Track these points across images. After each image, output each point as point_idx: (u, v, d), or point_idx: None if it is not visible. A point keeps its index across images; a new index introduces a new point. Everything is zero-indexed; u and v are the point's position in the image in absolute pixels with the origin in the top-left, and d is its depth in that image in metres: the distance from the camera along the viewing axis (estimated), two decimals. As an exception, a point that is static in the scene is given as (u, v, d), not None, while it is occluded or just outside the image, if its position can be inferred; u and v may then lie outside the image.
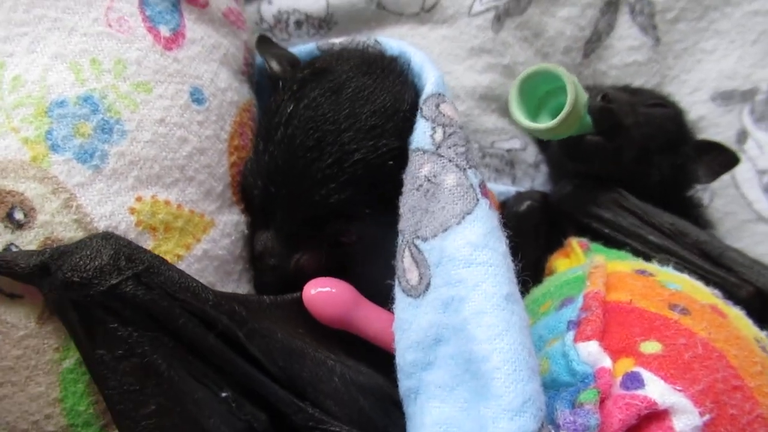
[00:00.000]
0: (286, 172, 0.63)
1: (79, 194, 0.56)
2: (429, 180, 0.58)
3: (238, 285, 0.67)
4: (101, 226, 0.57)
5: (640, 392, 0.53)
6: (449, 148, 0.59)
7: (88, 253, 0.53)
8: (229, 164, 0.66)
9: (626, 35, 1.01)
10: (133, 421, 0.54)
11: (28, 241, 0.55)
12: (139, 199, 0.59)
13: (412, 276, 0.57)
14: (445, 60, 0.94)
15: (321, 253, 0.66)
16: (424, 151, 0.59)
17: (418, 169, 0.59)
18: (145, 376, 0.53)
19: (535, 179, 1.01)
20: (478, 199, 0.57)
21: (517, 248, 0.89)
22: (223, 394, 0.56)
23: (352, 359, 0.63)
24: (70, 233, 0.56)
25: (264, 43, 0.78)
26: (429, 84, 0.63)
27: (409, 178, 0.59)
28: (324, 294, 0.62)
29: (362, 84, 0.66)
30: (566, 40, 0.98)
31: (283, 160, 0.64)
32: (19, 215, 0.55)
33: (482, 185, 0.58)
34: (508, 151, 0.97)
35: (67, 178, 0.56)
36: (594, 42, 1.00)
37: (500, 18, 0.94)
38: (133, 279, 0.53)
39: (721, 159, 0.87)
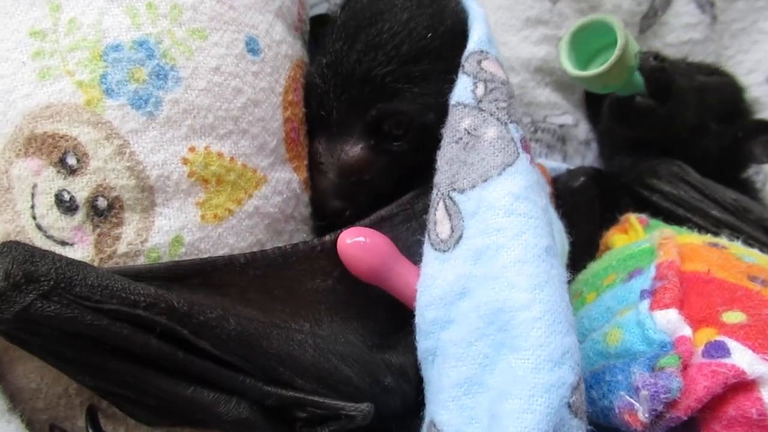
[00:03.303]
0: (331, 65, 0.65)
1: (133, 141, 0.54)
2: (469, 133, 0.57)
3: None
4: (153, 174, 0.54)
5: (726, 361, 0.49)
6: (491, 102, 0.58)
7: None
8: (284, 119, 0.64)
9: (683, 12, 0.97)
10: (116, 400, 0.52)
11: (80, 187, 0.53)
12: (192, 149, 0.56)
13: (444, 229, 0.56)
14: (500, 30, 0.91)
15: (368, 147, 0.65)
16: (465, 105, 0.59)
17: (458, 123, 0.58)
18: (104, 374, 0.50)
19: (586, 157, 0.97)
20: (519, 153, 0.56)
21: (572, 223, 0.88)
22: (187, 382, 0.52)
23: (334, 326, 0.60)
24: (122, 180, 0.53)
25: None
26: (472, 42, 0.62)
27: (448, 132, 0.58)
28: (362, 244, 0.59)
29: None
30: (623, 14, 0.95)
31: (330, 54, 0.66)
32: (71, 160, 0.53)
33: (524, 140, 0.57)
34: (561, 126, 0.93)
35: (121, 124, 0.54)
36: (651, 17, 0.97)
37: (556, -11, 0.90)
38: (42, 299, 0.46)
39: None
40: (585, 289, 0.69)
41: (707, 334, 0.53)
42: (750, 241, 0.74)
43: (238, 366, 0.53)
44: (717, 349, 0.51)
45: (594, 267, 0.73)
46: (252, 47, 0.61)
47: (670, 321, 0.53)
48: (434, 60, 0.64)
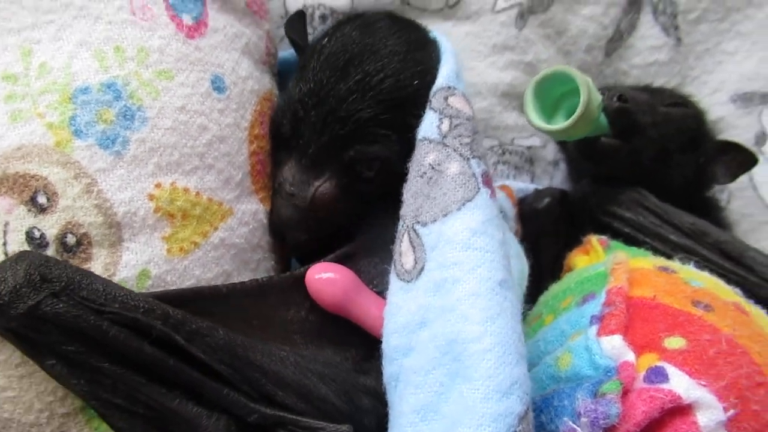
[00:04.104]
0: (314, 93, 0.66)
1: (100, 180, 0.57)
2: (433, 168, 0.60)
3: (255, 274, 0.66)
4: (120, 211, 0.57)
5: (664, 386, 0.52)
6: (455, 138, 0.60)
7: (1, 278, 0.51)
8: (249, 153, 0.66)
9: (648, 35, 1.00)
10: (111, 411, 0.54)
11: (50, 224, 0.55)
12: (158, 185, 0.59)
13: (408, 260, 0.58)
14: (467, 56, 0.93)
15: (340, 184, 0.67)
16: (430, 141, 0.61)
17: (424, 158, 0.60)
18: (97, 378, 0.53)
19: (554, 177, 1.00)
20: (479, 188, 0.59)
21: (537, 244, 0.91)
22: (176, 393, 0.55)
23: (310, 349, 0.63)
24: (90, 218, 0.56)
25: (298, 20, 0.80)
26: (440, 77, 0.65)
27: (414, 166, 0.61)
28: (326, 279, 0.63)
29: (391, 24, 0.71)
30: (588, 38, 0.98)
31: (314, 83, 0.66)
32: (42, 199, 0.55)
33: (485, 175, 0.60)
34: (528, 148, 0.96)
35: (89, 164, 0.56)
36: (616, 41, 0.99)
37: (524, 15, 0.93)
38: (53, 297, 0.51)
39: (740, 159, 0.87)
40: (544, 311, 0.72)
41: (649, 360, 0.55)
42: (706, 263, 0.77)
43: (225, 378, 0.56)
44: (657, 375, 0.53)
45: (554, 289, 0.76)
46: (218, 85, 0.64)
47: (614, 347, 0.56)
48: (417, 108, 0.65)
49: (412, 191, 0.60)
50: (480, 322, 0.53)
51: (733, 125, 1.01)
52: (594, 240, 0.80)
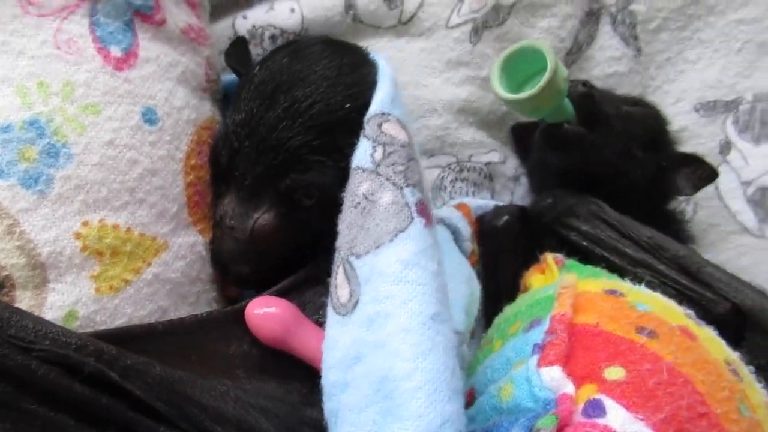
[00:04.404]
0: (246, 123, 0.65)
1: (23, 220, 0.55)
2: (366, 198, 0.58)
3: (195, 308, 0.65)
4: (45, 251, 0.55)
5: (601, 421, 0.51)
6: (388, 167, 0.59)
7: None
8: (185, 184, 0.65)
9: (607, 46, 0.99)
10: None
11: (-30, 268, 0.54)
12: (85, 223, 0.57)
13: (343, 293, 0.57)
14: (422, 73, 0.92)
15: (279, 214, 0.66)
16: (364, 170, 0.60)
17: (357, 187, 0.59)
18: (25, 423, 0.52)
19: (515, 192, 0.98)
20: (412, 218, 0.57)
21: (497, 261, 0.90)
22: None
23: (253, 383, 0.62)
24: (13, 260, 0.55)
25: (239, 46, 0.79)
26: (374, 104, 0.63)
27: (348, 196, 0.60)
28: (267, 314, 0.61)
29: (323, 48, 0.70)
30: (545, 51, 0.96)
31: (245, 113, 0.66)
32: (-40, 243, 0.54)
33: (420, 203, 0.58)
34: (487, 164, 0.95)
35: (11, 204, 0.55)
36: (575, 53, 0.98)
37: (478, 30, 0.92)
38: None
39: (701, 172, 0.86)
40: (495, 336, 0.71)
41: (588, 391, 0.54)
42: (663, 279, 0.76)
43: (161, 415, 0.55)
44: (594, 408, 0.52)
45: (507, 311, 0.74)
46: (149, 117, 0.62)
47: (553, 378, 0.54)
48: (350, 132, 0.63)
49: (346, 222, 0.59)
50: (411, 358, 0.52)
51: (697, 134, 1.00)
52: (549, 258, 0.79)
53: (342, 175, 0.62)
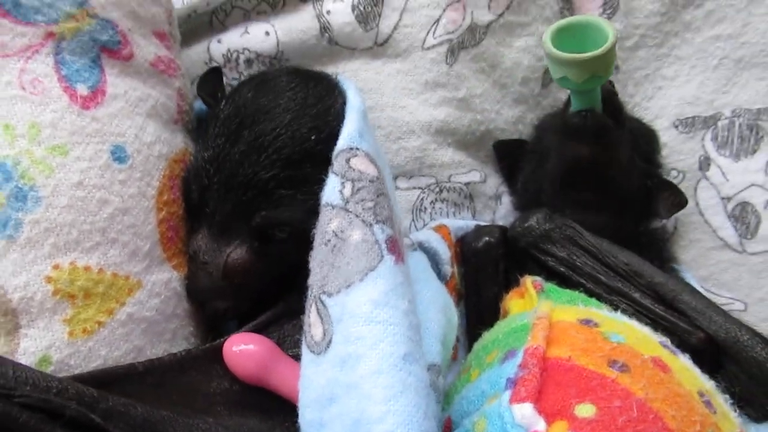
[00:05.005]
0: (214, 159, 0.66)
1: (-7, 266, 0.55)
2: (336, 235, 0.58)
3: (172, 345, 0.65)
4: (15, 297, 0.55)
5: (569, 461, 0.51)
6: (357, 203, 0.59)
7: None
8: (158, 221, 0.65)
9: (585, 63, 0.99)
10: None
11: (-62, 316, 0.53)
12: (56, 266, 0.57)
13: (317, 332, 0.57)
14: (399, 94, 0.92)
15: (252, 248, 0.67)
16: (333, 206, 0.60)
17: (327, 224, 0.59)
18: None
19: (497, 212, 0.99)
20: (382, 255, 0.57)
21: (478, 283, 0.90)
22: None
23: (234, 419, 0.62)
24: (-18, 306, 0.54)
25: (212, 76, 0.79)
26: (342, 138, 0.63)
27: (318, 233, 0.60)
28: (244, 352, 0.62)
29: (289, 80, 0.70)
30: (524, 70, 0.97)
31: (212, 149, 0.67)
32: (-72, 290, 0.54)
33: (390, 240, 0.59)
34: (467, 184, 0.95)
35: (-21, 250, 0.55)
36: (552, 72, 0.98)
37: (454, 51, 0.92)
38: None
39: (674, 198, 0.88)
40: (473, 364, 0.71)
41: (559, 429, 0.54)
42: (638, 307, 0.76)
43: None
44: (564, 447, 0.52)
45: (486, 337, 0.75)
46: (118, 155, 0.62)
47: (524, 416, 0.55)
48: (317, 163, 0.64)
49: (318, 259, 0.59)
50: (383, 401, 0.52)
51: (677, 150, 1.01)
52: (528, 282, 0.79)
53: (314, 206, 0.62)
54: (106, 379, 0.58)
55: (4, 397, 0.50)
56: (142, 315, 0.62)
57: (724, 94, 1.00)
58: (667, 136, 1.01)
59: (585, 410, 0.55)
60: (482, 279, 0.88)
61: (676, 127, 1.01)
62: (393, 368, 0.53)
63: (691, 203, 0.98)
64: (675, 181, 0.98)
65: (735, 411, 0.65)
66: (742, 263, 0.98)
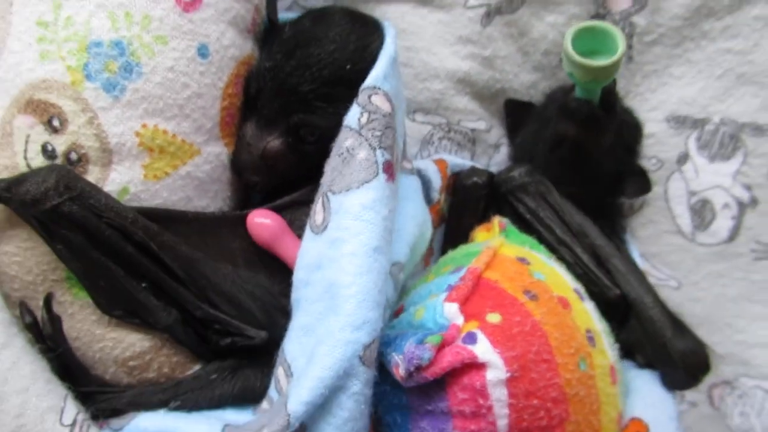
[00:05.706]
0: (271, 69, 0.83)
1: (101, 115, 0.75)
2: (348, 151, 0.76)
3: (213, 201, 0.86)
4: (113, 141, 0.76)
5: (470, 347, 0.71)
6: (369, 130, 0.76)
7: (37, 180, 0.70)
8: (221, 107, 0.84)
9: (601, 49, 1.11)
10: (95, 288, 0.76)
11: (60, 143, 0.74)
12: (144, 126, 0.77)
13: (319, 218, 0.76)
14: (435, 42, 1.06)
15: (286, 143, 0.86)
16: (351, 129, 0.77)
17: (343, 141, 0.77)
18: (90, 263, 0.74)
19: (493, 159, 1.15)
20: (378, 173, 0.75)
21: (460, 213, 1.08)
22: (143, 284, 0.76)
23: (247, 272, 0.83)
24: (90, 142, 0.75)
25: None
26: (369, 78, 0.79)
27: (336, 146, 0.77)
28: (262, 224, 0.83)
29: (341, 18, 0.85)
30: (547, 43, 1.09)
31: (271, 61, 0.84)
32: (56, 123, 0.74)
33: (387, 163, 0.75)
34: (473, 130, 1.11)
35: (94, 102, 0.75)
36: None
37: (490, 14, 1.06)
38: (70, 201, 0.70)
39: (640, 185, 1.02)
40: (432, 271, 0.91)
41: (471, 326, 0.73)
42: (576, 259, 0.95)
43: (181, 281, 0.78)
44: (470, 338, 0.72)
45: (449, 255, 0.94)
46: (202, 52, 0.80)
47: (450, 312, 0.74)
48: (349, 87, 0.80)
49: (331, 165, 0.77)
50: (352, 274, 0.71)
51: (662, 141, 1.12)
52: (496, 221, 0.98)
53: (338, 122, 0.79)
54: (165, 215, 0.78)
55: (97, 216, 0.72)
56: (197, 174, 0.82)
57: (720, 102, 1.10)
58: (657, 128, 1.12)
59: (493, 318, 0.75)
60: (464, 211, 1.05)
61: (668, 121, 1.12)
62: (365, 254, 0.72)
63: (660, 189, 1.12)
64: (652, 168, 1.12)
65: (615, 351, 0.85)
66: (689, 250, 1.12)
